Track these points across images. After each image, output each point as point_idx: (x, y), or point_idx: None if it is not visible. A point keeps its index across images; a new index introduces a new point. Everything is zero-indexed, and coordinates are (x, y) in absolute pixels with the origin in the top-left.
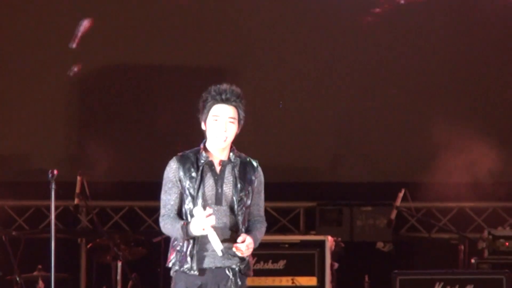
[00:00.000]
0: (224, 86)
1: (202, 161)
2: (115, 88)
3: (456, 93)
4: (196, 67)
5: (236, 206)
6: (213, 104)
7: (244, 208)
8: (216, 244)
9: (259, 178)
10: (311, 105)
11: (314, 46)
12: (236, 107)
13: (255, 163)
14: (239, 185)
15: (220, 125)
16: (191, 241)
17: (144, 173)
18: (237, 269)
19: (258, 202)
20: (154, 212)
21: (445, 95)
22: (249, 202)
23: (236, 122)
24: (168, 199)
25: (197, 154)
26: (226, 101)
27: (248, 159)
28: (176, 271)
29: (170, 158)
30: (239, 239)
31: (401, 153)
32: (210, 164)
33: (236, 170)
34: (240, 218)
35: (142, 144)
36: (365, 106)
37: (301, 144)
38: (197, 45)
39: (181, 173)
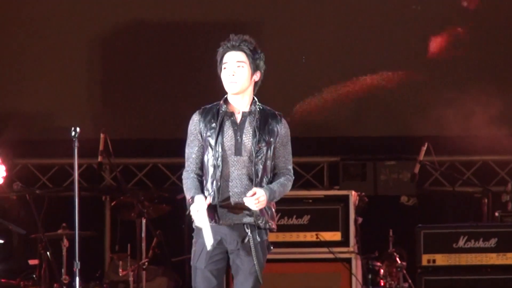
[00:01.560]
0: (235, 35)
1: (221, 113)
2: (138, 46)
3: (478, 46)
4: (217, 23)
5: (254, 157)
6: (223, 53)
7: (264, 159)
8: (207, 238)
9: (283, 130)
10: (334, 59)
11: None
12: (244, 51)
13: (278, 115)
14: (257, 136)
15: (229, 70)
16: (209, 197)
17: (167, 130)
18: (255, 224)
19: (283, 154)
20: (178, 169)
21: (467, 49)
22: (270, 153)
23: (246, 65)
24: (190, 152)
25: (218, 106)
26: (233, 47)
27: (271, 111)
28: (196, 226)
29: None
30: (249, 193)
31: (424, 107)
32: (230, 115)
33: (256, 120)
34: (259, 168)
35: (164, 101)
36: (389, 60)
37: (324, 98)
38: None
39: (202, 125)
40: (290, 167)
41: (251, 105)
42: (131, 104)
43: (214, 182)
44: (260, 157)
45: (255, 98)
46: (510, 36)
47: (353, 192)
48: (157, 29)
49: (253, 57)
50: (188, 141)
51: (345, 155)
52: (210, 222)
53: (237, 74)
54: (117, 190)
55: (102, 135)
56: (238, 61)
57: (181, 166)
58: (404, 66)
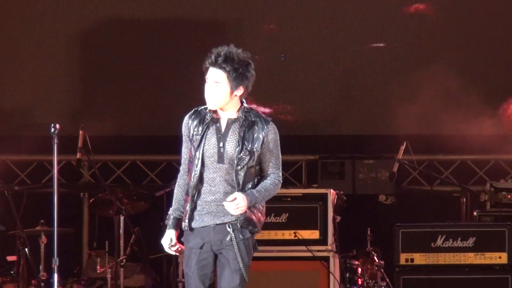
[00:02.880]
0: (221, 48)
1: (207, 119)
2: (117, 43)
3: (457, 45)
4: (199, 20)
5: (235, 165)
6: (206, 67)
7: (246, 167)
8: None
9: (270, 136)
10: (313, 57)
11: None
12: (223, 69)
13: (265, 121)
14: (240, 145)
15: (207, 88)
16: (190, 201)
17: (146, 128)
18: (238, 223)
19: (270, 159)
20: (157, 166)
21: (446, 48)
22: (253, 161)
23: (223, 85)
24: (183, 152)
25: (206, 111)
26: (213, 64)
27: (259, 117)
28: (184, 229)
29: (172, 113)
30: (229, 198)
31: (403, 106)
32: (216, 121)
33: (241, 128)
34: (240, 176)
35: (144, 98)
36: (367, 59)
37: (303, 97)
38: None
39: (191, 129)
40: (278, 170)
41: (237, 111)
42: (110, 101)
43: (190, 189)
44: (242, 165)
45: (244, 103)
46: (491, 36)
47: (332, 191)
48: (137, 26)
49: (234, 74)
50: (182, 140)
51: (324, 154)
52: (186, 228)
53: (214, 92)
54: (95, 187)
55: (81, 132)
56: (215, 81)
57: (160, 163)
58: (383, 64)
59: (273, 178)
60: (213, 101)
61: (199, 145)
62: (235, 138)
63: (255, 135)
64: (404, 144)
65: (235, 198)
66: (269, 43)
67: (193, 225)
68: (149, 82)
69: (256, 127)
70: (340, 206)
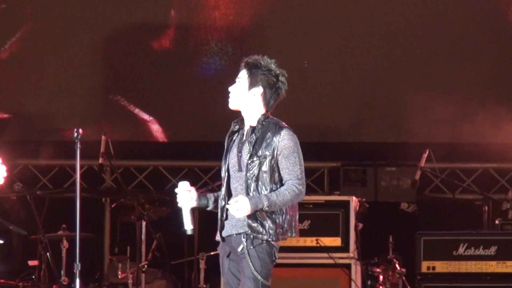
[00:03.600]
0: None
1: (234, 128)
2: (141, 47)
3: (480, 54)
4: (218, 26)
5: (245, 172)
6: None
7: (256, 173)
8: (186, 223)
9: (283, 142)
10: (336, 64)
11: (340, 4)
12: (245, 66)
13: (280, 127)
14: (251, 150)
15: (231, 87)
16: (219, 211)
17: (168, 133)
18: (250, 233)
19: (287, 166)
20: (179, 171)
21: (468, 56)
22: (265, 166)
23: (241, 80)
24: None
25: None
26: (240, 67)
27: (275, 124)
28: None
29: (195, 118)
30: (231, 200)
31: (425, 113)
32: (238, 130)
33: (255, 135)
34: (251, 182)
35: (166, 104)
36: (390, 65)
37: (325, 104)
38: (220, 2)
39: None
40: (296, 179)
41: (256, 120)
42: (133, 106)
43: (219, 200)
44: (252, 171)
45: (266, 113)
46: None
47: (354, 198)
48: (160, 31)
49: (254, 70)
50: None
51: (346, 161)
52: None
53: (233, 88)
54: (117, 192)
55: (103, 137)
56: (237, 78)
57: (182, 169)
58: (405, 70)
59: (289, 184)
60: (231, 97)
61: (225, 156)
62: (248, 145)
63: (268, 141)
64: (427, 152)
65: (237, 201)
66: (291, 49)
67: (223, 233)
68: (174, 87)
69: (269, 133)
70: (362, 214)
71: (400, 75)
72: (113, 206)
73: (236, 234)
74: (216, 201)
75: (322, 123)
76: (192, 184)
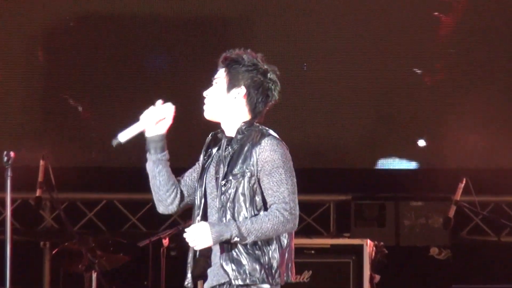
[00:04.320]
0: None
1: (209, 143)
2: (91, 44)
3: None
4: (197, 18)
5: (218, 197)
6: None
7: (231, 197)
8: (124, 133)
9: (265, 154)
10: (344, 67)
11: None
12: (223, 64)
13: (261, 135)
14: (225, 168)
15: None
16: (189, 253)
17: (128, 157)
18: (235, 283)
19: (270, 186)
20: (140, 206)
21: (506, 72)
22: (243, 188)
23: (219, 80)
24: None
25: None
26: (219, 65)
27: (256, 131)
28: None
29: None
30: (188, 229)
31: (462, 133)
32: (215, 145)
33: (230, 148)
34: (226, 211)
35: (126, 119)
36: (411, 78)
37: (331, 118)
38: None
39: (200, 158)
40: (282, 202)
41: (236, 129)
42: (80, 123)
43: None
44: (227, 194)
45: (251, 120)
46: None
47: (369, 241)
48: (117, 24)
49: (234, 66)
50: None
51: (358, 193)
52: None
53: (207, 93)
54: (60, 233)
55: (42, 162)
56: (213, 78)
57: (144, 204)
58: (433, 83)
59: (272, 209)
60: (206, 104)
61: (200, 177)
62: (223, 160)
63: (246, 154)
64: (463, 181)
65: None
66: (285, 49)
67: (205, 286)
68: (134, 98)
69: (248, 143)
70: (380, 262)
71: (427, 84)
72: (54, 252)
73: (218, 286)
74: (174, 187)
75: (327, 143)
76: (156, 224)
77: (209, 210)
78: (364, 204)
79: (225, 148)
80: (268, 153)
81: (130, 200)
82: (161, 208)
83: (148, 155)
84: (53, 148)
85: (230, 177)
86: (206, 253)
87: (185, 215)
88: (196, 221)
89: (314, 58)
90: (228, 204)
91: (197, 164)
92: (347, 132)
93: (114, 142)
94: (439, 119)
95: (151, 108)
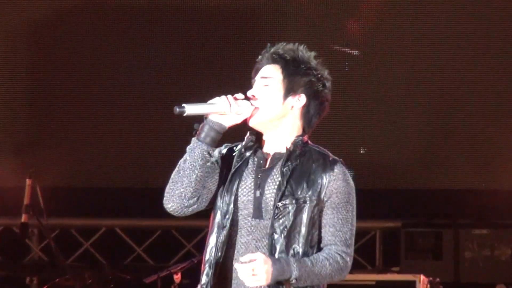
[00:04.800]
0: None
1: (248, 143)
2: (84, 39)
3: None
4: (206, 7)
5: (270, 220)
6: (253, 72)
7: (288, 224)
8: (193, 105)
9: (336, 184)
10: (394, 72)
11: None
12: (278, 58)
13: (332, 160)
14: (283, 187)
15: (251, 89)
16: (207, 274)
17: (132, 176)
18: None
19: (333, 222)
20: (147, 236)
21: None
22: (305, 217)
23: (272, 81)
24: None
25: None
26: (266, 58)
27: (322, 154)
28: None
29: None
30: (243, 258)
31: None
32: (258, 155)
33: (290, 165)
34: (279, 238)
35: (125, 132)
36: (473, 86)
37: (377, 131)
38: None
39: (227, 158)
40: (344, 245)
41: (292, 143)
42: (73, 135)
43: (209, 256)
44: (282, 220)
45: (303, 134)
46: None
47: (422, 277)
48: (112, 16)
49: (293, 67)
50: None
51: (409, 219)
52: None
53: (258, 95)
54: (49, 267)
55: (28, 182)
56: (262, 77)
57: (152, 232)
58: (498, 88)
59: (332, 252)
60: (260, 107)
61: (229, 185)
62: (278, 178)
63: (312, 177)
64: None
65: (254, 260)
66: (323, 47)
67: None
68: (136, 109)
69: (314, 165)
70: None
71: (490, 94)
72: None
73: None
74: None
75: (374, 162)
76: (165, 256)
77: (239, 230)
78: (416, 232)
79: (284, 162)
80: (341, 183)
81: (135, 227)
82: (174, 206)
83: (195, 141)
84: (42, 165)
85: (289, 200)
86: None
87: (201, 246)
88: (221, 236)
89: (358, 57)
90: (283, 232)
91: (214, 162)
92: (395, 147)
93: (177, 110)
94: (508, 136)
95: (229, 96)
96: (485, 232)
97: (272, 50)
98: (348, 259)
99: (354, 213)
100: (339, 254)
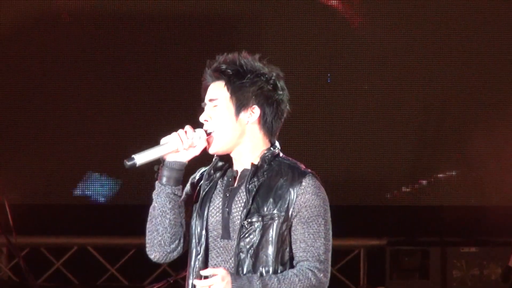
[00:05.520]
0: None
1: (212, 171)
2: (67, 41)
3: None
4: (198, 17)
5: (236, 240)
6: (202, 90)
7: (255, 244)
8: (143, 154)
9: (305, 197)
10: (379, 79)
11: None
12: (221, 75)
13: (300, 173)
14: (249, 205)
15: (202, 117)
16: None
17: (101, 193)
18: None
19: (303, 238)
20: (121, 254)
21: None
22: (271, 234)
23: (220, 101)
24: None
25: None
26: (209, 76)
27: (289, 165)
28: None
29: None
30: (204, 272)
31: None
32: (224, 174)
33: (255, 181)
34: (245, 258)
35: (102, 144)
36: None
37: (362, 149)
38: None
39: (199, 181)
40: (316, 260)
41: (260, 157)
42: (44, 152)
43: (192, 278)
44: (248, 239)
45: (275, 147)
46: None
47: None
48: (87, 29)
49: (237, 81)
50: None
51: (395, 236)
52: None
53: (210, 119)
54: (20, 287)
55: None
56: (210, 99)
57: (126, 250)
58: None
59: (304, 268)
60: (214, 135)
61: (200, 209)
62: (244, 195)
63: (279, 192)
64: None
65: (214, 275)
66: (305, 56)
67: None
68: (110, 122)
69: (281, 180)
70: None
71: (479, 110)
72: None
73: None
74: (178, 213)
75: (357, 177)
76: (140, 275)
77: (210, 252)
78: (402, 250)
79: (250, 178)
80: (310, 196)
81: (108, 245)
82: (158, 255)
83: (159, 185)
84: (11, 182)
85: (255, 218)
86: None
87: (176, 264)
88: (197, 264)
89: (340, 67)
90: (250, 252)
91: (184, 196)
92: (380, 162)
93: (128, 163)
94: (498, 150)
95: (180, 131)
96: (474, 250)
97: (213, 67)
98: (321, 275)
99: (328, 226)
100: (310, 270)
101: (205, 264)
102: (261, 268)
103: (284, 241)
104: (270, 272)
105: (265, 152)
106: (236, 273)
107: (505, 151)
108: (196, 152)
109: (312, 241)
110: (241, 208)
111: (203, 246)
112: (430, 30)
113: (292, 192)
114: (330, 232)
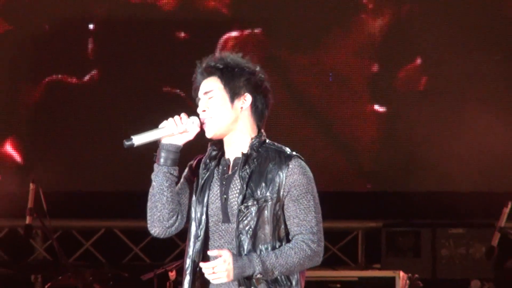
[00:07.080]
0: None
1: (207, 160)
2: (83, 65)
3: None
4: (188, 21)
5: (235, 223)
6: (194, 88)
7: (253, 225)
8: (140, 136)
9: (292, 178)
10: (375, 77)
11: None
12: (213, 70)
13: (287, 156)
14: (244, 191)
15: (200, 107)
16: (189, 275)
17: (129, 180)
18: None
19: (296, 214)
20: (143, 236)
21: None
22: (267, 215)
23: (214, 92)
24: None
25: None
26: (201, 75)
27: (278, 152)
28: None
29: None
30: (211, 252)
31: (507, 155)
32: (223, 162)
33: (248, 167)
34: (245, 239)
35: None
36: (455, 98)
37: (359, 138)
38: None
39: (197, 171)
40: (309, 232)
41: (249, 146)
42: (74, 143)
43: (189, 259)
44: (246, 221)
45: (261, 134)
46: None
47: (401, 274)
48: (109, 35)
49: (229, 73)
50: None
51: (390, 219)
52: None
53: (209, 106)
54: (53, 266)
55: (32, 186)
56: (205, 92)
57: (148, 232)
58: (480, 88)
59: (298, 240)
60: (212, 119)
61: (200, 196)
62: (238, 182)
63: (269, 176)
64: (509, 206)
65: (218, 256)
66: (311, 55)
67: None
68: (129, 117)
69: (270, 164)
70: None
71: (471, 96)
72: (47, 287)
73: None
74: (172, 195)
75: (354, 163)
76: (161, 255)
77: (211, 235)
78: (396, 231)
79: (242, 166)
80: (297, 177)
81: (132, 228)
82: (158, 230)
83: (157, 166)
84: (44, 171)
85: (251, 202)
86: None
87: None
88: (197, 245)
89: (343, 65)
90: (249, 232)
91: (183, 180)
92: (376, 151)
93: (126, 143)
94: (483, 139)
95: (175, 117)
96: (461, 231)
97: (204, 65)
98: (315, 245)
99: (317, 201)
100: (304, 242)
101: (204, 245)
102: (260, 246)
103: (278, 219)
104: (269, 248)
105: (253, 140)
106: (238, 253)
107: (488, 141)
108: (190, 136)
109: (304, 215)
110: (237, 194)
111: (203, 229)
112: (430, 28)
113: (281, 174)
114: (319, 205)
